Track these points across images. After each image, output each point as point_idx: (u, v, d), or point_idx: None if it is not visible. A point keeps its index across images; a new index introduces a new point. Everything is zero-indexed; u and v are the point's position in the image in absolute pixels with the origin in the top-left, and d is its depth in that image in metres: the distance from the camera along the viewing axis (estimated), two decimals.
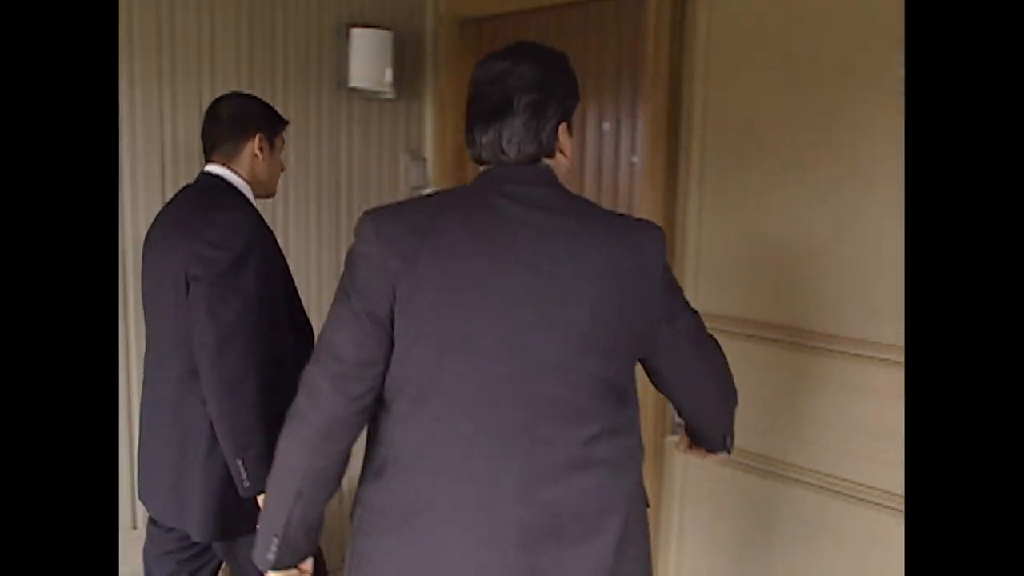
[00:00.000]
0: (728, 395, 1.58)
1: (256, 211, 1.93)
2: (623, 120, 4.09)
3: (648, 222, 1.40)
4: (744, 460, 2.29)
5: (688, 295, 1.47)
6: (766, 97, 2.19)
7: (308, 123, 2.83)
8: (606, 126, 3.94)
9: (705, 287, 2.35)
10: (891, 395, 2.01)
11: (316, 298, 2.84)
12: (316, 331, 1.59)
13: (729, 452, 1.66)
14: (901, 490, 2.01)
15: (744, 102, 2.24)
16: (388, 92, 2.97)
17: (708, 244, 2.35)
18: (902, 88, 1.92)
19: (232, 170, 1.95)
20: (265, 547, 1.39)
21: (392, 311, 1.25)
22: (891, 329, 2.01)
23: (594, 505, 1.32)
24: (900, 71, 1.94)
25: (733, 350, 2.25)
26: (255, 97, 2.04)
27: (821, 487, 2.16)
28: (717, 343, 1.52)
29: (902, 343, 1.98)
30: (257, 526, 1.42)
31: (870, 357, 2.05)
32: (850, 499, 2.11)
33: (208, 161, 1.97)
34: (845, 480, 2.12)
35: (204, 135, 1.99)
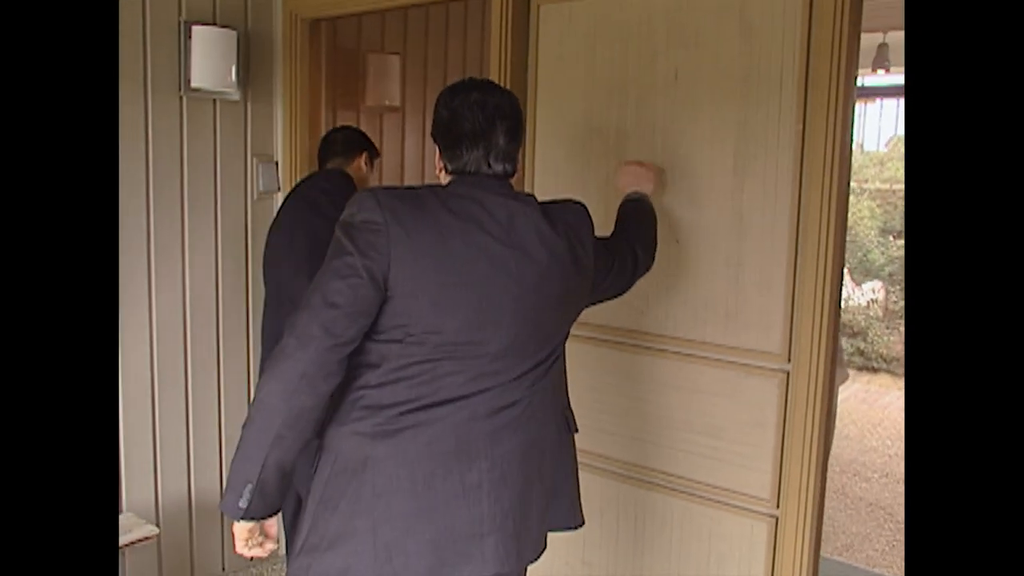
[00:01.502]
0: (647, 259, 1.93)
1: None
2: None
3: (573, 202, 1.65)
4: (581, 460, 2.32)
5: None
6: (597, 101, 2.23)
7: (148, 125, 2.70)
8: None
9: None
10: (719, 394, 2.08)
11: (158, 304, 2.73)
12: None
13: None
14: (737, 486, 2.08)
15: (577, 106, 2.27)
16: (233, 93, 2.88)
17: None
18: (738, 98, 2.02)
19: None
20: (236, 495, 1.44)
21: (388, 270, 1.41)
22: (718, 329, 2.07)
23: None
24: (733, 84, 2.01)
25: (579, 353, 2.30)
26: (358, 129, 2.76)
27: (665, 487, 2.21)
28: (630, 250, 1.84)
29: (731, 343, 2.06)
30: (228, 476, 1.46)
31: (703, 357, 2.11)
32: (690, 496, 2.17)
33: None
34: (685, 479, 2.17)
35: (319, 159, 2.66)
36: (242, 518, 1.45)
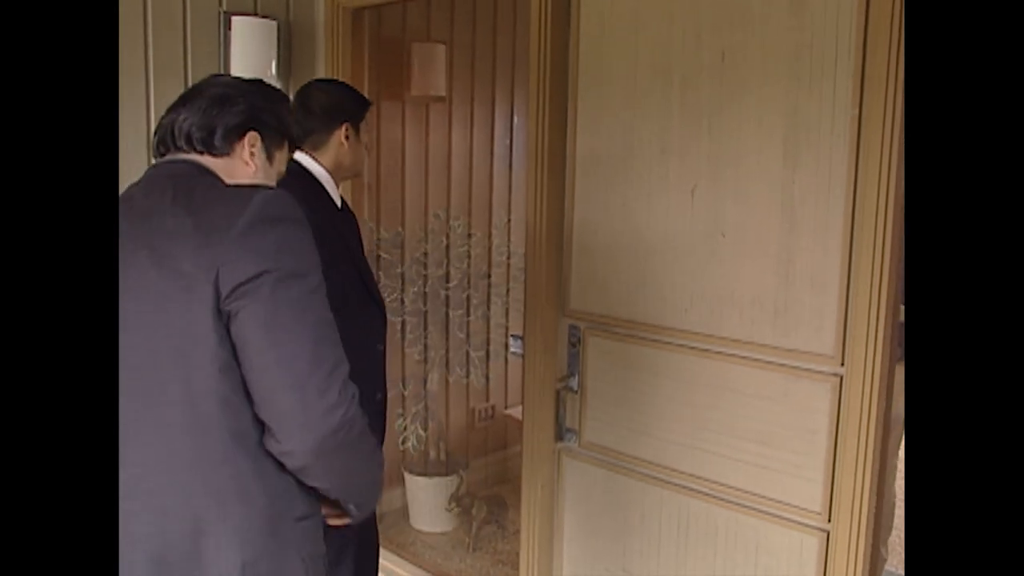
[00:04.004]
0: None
1: (320, 192, 2.12)
2: (518, 112, 3.97)
3: (252, 187, 1.28)
4: (623, 463, 2.21)
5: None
6: (640, 86, 2.11)
7: None
8: (517, 120, 3.86)
9: (580, 286, 2.27)
10: (767, 398, 1.95)
11: None
12: None
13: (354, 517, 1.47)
14: (785, 497, 1.95)
15: (619, 91, 2.16)
16: (274, 84, 2.84)
17: (585, 242, 2.26)
18: (789, 80, 1.88)
19: (315, 159, 2.13)
20: None
21: None
22: (766, 329, 1.94)
23: None
24: (783, 65, 1.87)
25: (618, 351, 2.20)
26: (342, 84, 2.26)
27: (709, 495, 2.09)
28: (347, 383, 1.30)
29: (776, 343, 1.93)
30: None
31: (750, 358, 1.98)
32: (735, 506, 2.04)
33: (297, 149, 2.14)
34: (730, 487, 2.04)
35: (296, 125, 2.12)
36: None
